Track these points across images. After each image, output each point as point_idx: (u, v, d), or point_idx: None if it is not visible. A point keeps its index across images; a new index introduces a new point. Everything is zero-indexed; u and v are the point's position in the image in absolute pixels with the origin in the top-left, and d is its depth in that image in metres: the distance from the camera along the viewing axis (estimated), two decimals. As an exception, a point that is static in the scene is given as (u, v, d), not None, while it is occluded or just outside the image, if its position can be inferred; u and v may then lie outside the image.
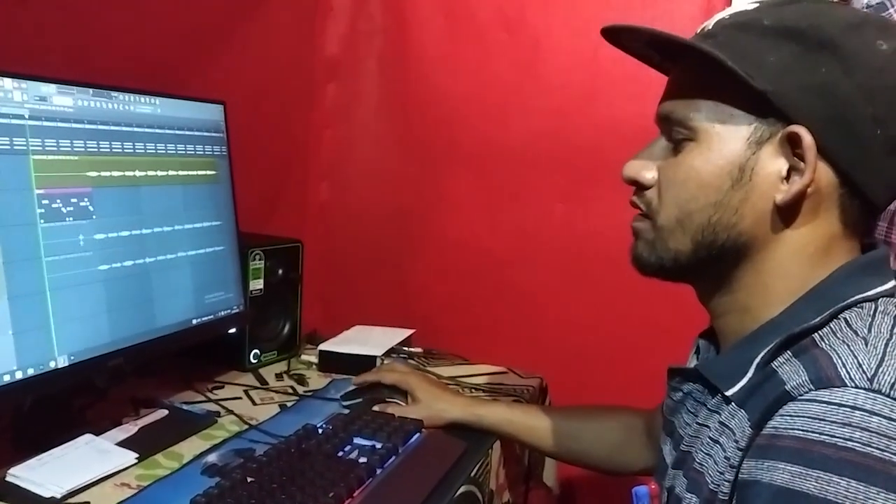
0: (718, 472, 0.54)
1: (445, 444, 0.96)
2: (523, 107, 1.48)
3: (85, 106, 0.88)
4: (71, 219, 0.85)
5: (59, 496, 0.75)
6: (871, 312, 0.52)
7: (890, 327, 0.50)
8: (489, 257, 1.51)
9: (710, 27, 0.59)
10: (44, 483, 0.77)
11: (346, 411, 1.03)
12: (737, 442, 0.52)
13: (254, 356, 1.22)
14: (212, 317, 1.08)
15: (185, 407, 1.03)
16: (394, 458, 0.88)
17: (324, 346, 1.25)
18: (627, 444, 0.92)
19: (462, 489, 0.87)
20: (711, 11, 1.35)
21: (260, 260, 1.21)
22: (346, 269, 1.65)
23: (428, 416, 1.00)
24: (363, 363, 1.18)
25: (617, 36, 0.65)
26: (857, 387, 0.45)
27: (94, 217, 0.88)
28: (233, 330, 1.14)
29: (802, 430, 0.45)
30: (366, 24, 1.61)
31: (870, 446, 0.43)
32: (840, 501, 0.42)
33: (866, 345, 0.48)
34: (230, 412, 1.03)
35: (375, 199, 1.63)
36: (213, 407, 1.04)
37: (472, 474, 0.91)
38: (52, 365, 0.82)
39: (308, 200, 1.66)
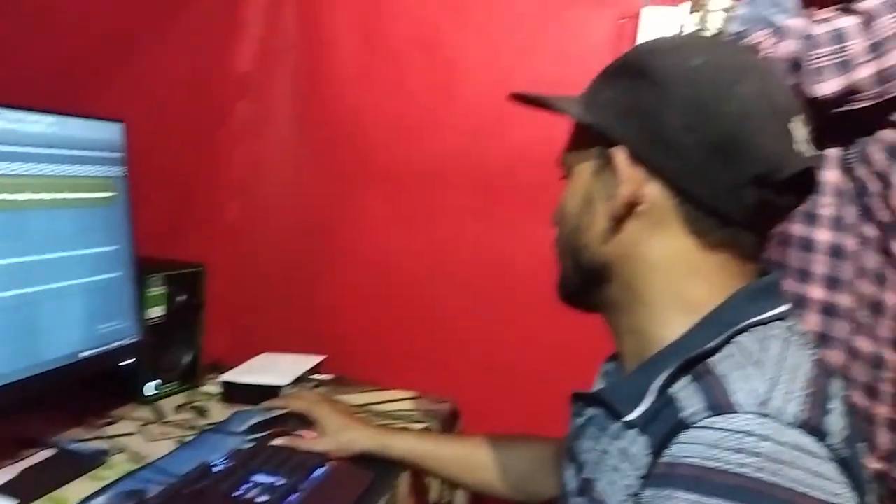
0: (620, 499, 0.55)
1: (351, 476, 0.96)
2: (438, 126, 1.51)
3: (-39, 125, 0.84)
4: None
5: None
6: (764, 336, 0.55)
7: (780, 350, 0.53)
8: (403, 278, 1.52)
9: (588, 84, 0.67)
10: None
11: (248, 445, 1.02)
12: (637, 469, 0.53)
13: (152, 388, 1.18)
14: (104, 348, 1.05)
15: (72, 446, 0.99)
16: (295, 494, 0.87)
17: (227, 377, 1.22)
18: (537, 473, 0.94)
19: (367, 523, 0.88)
20: (622, 38, 1.44)
21: (160, 286, 1.18)
22: (257, 292, 1.62)
23: (335, 448, 0.99)
24: (268, 393, 1.16)
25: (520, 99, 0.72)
26: (748, 412, 0.47)
27: (-31, 245, 0.84)
28: (128, 361, 1.11)
29: (699, 458, 0.47)
30: (279, 41, 1.60)
31: (761, 471, 0.44)
32: None
33: (759, 368, 0.51)
34: (122, 450, 1.00)
35: (288, 218, 1.62)
36: (104, 444, 1.01)
37: (378, 507, 0.92)
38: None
39: (216, 221, 1.62)
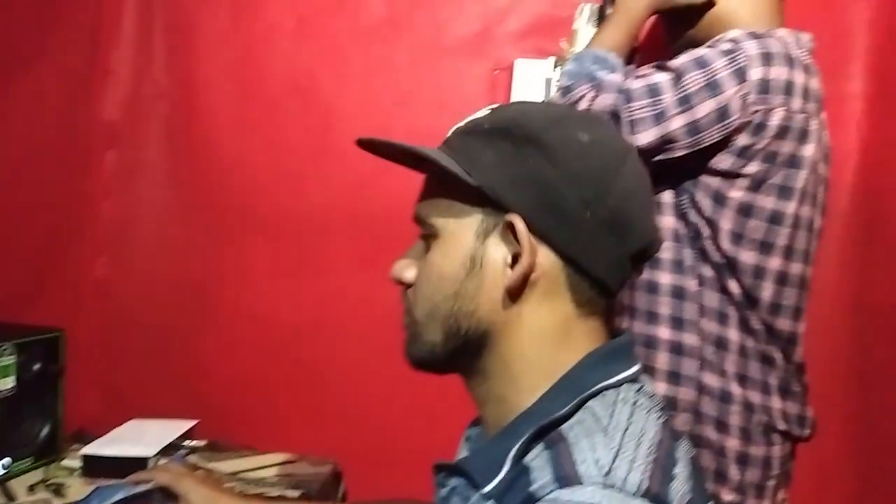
0: None
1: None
2: (320, 174, 1.53)
3: None
4: None
5: None
6: (614, 400, 0.57)
7: (628, 416, 0.56)
8: (287, 333, 1.51)
9: (449, 135, 0.66)
10: None
11: (108, 525, 0.98)
12: None
13: (1, 467, 1.12)
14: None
15: None
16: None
17: (88, 449, 1.17)
18: None
19: None
20: (496, 88, 1.52)
21: (10, 355, 1.12)
22: (128, 353, 1.56)
23: (200, 523, 0.97)
24: (134, 466, 1.11)
25: (371, 146, 0.70)
26: (593, 483, 0.49)
27: None
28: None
29: None
30: (149, 88, 1.58)
31: None
32: None
33: (605, 436, 0.53)
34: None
35: (161, 273, 1.58)
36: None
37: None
38: None
39: (83, 279, 1.56)
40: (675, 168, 0.91)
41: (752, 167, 0.88)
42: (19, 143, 1.34)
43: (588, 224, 0.59)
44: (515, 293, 0.60)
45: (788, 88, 0.87)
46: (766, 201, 0.90)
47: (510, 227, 0.59)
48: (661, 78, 0.88)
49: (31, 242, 1.40)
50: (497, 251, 0.60)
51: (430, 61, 1.52)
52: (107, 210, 1.60)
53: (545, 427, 0.56)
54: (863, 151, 1.39)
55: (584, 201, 0.58)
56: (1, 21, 1.32)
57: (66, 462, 1.21)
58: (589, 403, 0.57)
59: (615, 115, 0.88)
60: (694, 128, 0.86)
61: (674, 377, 0.95)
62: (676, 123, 0.86)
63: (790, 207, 0.90)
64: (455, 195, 0.62)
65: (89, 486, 1.13)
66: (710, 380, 0.95)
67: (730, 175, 0.89)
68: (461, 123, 0.66)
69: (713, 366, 0.95)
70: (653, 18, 1.09)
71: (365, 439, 1.40)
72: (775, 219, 0.90)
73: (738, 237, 0.91)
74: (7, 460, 1.13)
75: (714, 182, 0.90)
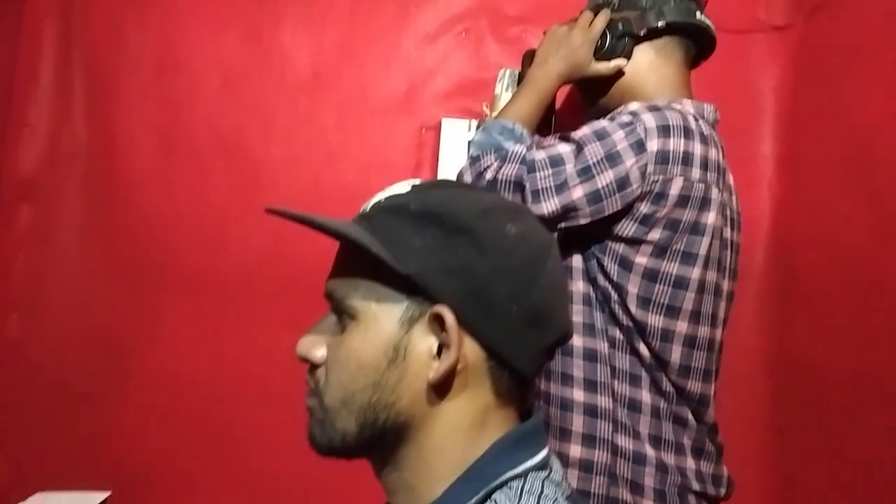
0: None
1: None
2: (244, 232, 1.53)
3: None
4: None
5: None
6: (518, 492, 0.57)
7: None
8: (206, 395, 1.48)
9: (369, 209, 0.65)
10: None
11: None
12: None
13: None
14: None
15: None
16: None
17: (-18, 527, 1.13)
18: None
19: None
20: (423, 147, 1.56)
21: None
22: (37, 419, 1.51)
23: None
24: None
25: (287, 216, 0.66)
26: None
27: None
28: None
29: None
30: (68, 143, 1.56)
31: None
32: None
33: None
34: None
35: (76, 333, 1.53)
36: None
37: None
38: None
39: (-9, 340, 1.52)
40: (583, 235, 0.95)
41: (655, 234, 0.93)
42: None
43: (513, 317, 0.59)
44: (439, 385, 0.59)
45: (686, 159, 0.92)
46: (670, 266, 0.94)
47: (438, 318, 0.58)
48: (564, 149, 0.93)
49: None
50: (423, 341, 0.59)
51: (358, 119, 1.55)
52: (19, 266, 1.56)
53: None
54: (774, 210, 1.48)
55: (511, 295, 0.59)
56: None
57: (-42, 542, 1.15)
58: (494, 495, 0.57)
59: (519, 185, 0.92)
60: (595, 197, 0.90)
61: (589, 440, 0.97)
62: (578, 193, 0.90)
63: (694, 272, 0.95)
64: (378, 278, 0.60)
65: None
66: (624, 442, 0.98)
67: (634, 241, 0.94)
68: (382, 197, 0.65)
69: (627, 428, 0.98)
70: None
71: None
72: (680, 283, 0.95)
73: (645, 301, 0.95)
74: None
75: (620, 248, 0.95)
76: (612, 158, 0.90)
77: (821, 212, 1.34)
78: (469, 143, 1.05)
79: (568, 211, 0.91)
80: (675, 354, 0.97)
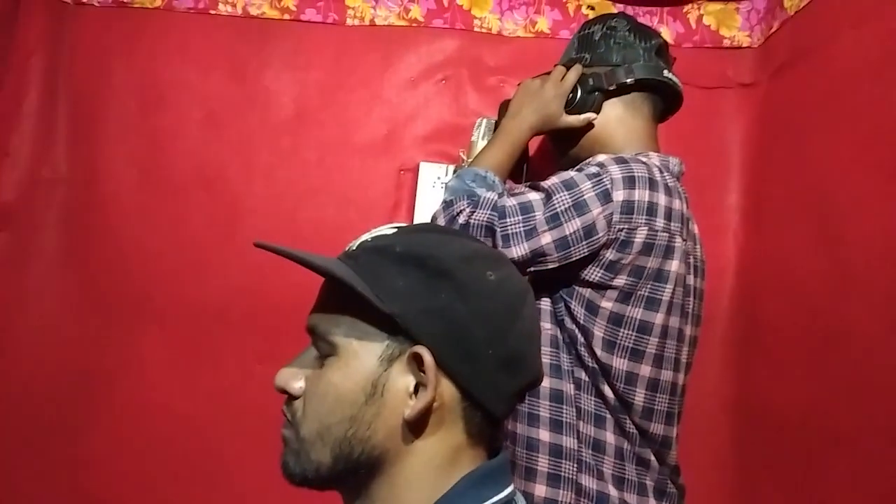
0: None
1: None
2: (221, 265, 1.56)
3: None
4: None
5: None
6: None
7: None
8: (180, 427, 1.50)
9: (355, 248, 0.68)
10: None
11: None
12: None
13: None
14: None
15: None
16: None
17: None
18: None
19: None
20: (402, 188, 1.61)
21: None
22: (9, 450, 1.51)
23: None
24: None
25: (275, 251, 0.69)
26: None
27: None
28: None
29: None
30: (48, 172, 1.60)
31: None
32: None
33: None
34: None
35: (50, 363, 1.55)
36: None
37: None
38: None
39: (-40, 369, 1.52)
40: (551, 278, 1.00)
41: (620, 280, 0.98)
42: None
43: (489, 361, 0.62)
44: (415, 423, 0.62)
45: (651, 209, 0.98)
46: (635, 312, 0.99)
47: (417, 358, 0.61)
48: (533, 197, 0.98)
49: None
50: (401, 380, 0.62)
51: (338, 158, 1.60)
52: (-7, 295, 1.57)
53: None
54: (739, 259, 1.55)
55: (488, 340, 0.62)
56: None
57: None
58: None
59: (490, 230, 0.97)
60: (562, 243, 0.95)
61: (553, 479, 1.00)
62: (546, 239, 0.95)
63: (657, 318, 1.00)
64: (361, 316, 0.63)
65: None
66: (588, 482, 1.01)
67: (600, 287, 0.98)
68: (367, 237, 0.68)
69: (591, 468, 1.01)
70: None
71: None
72: (644, 328, 0.99)
73: (610, 345, 0.99)
74: None
75: (587, 292, 0.99)
76: (580, 207, 0.95)
77: (783, 261, 1.39)
78: (444, 185, 1.09)
79: (537, 256, 0.96)
80: (639, 397, 1.00)
